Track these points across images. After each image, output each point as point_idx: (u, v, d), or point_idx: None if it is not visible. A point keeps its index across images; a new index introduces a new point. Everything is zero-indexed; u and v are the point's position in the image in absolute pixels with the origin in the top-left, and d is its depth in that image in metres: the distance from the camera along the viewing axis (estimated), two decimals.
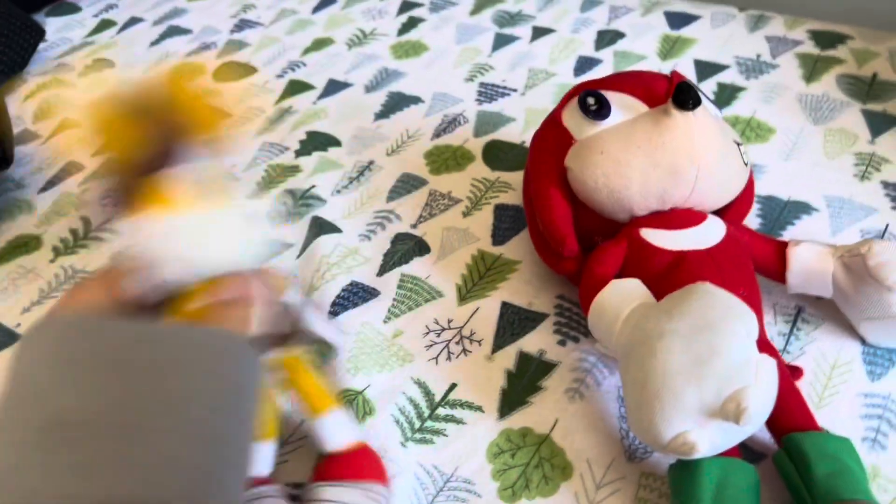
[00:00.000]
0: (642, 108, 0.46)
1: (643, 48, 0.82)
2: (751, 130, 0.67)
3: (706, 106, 0.45)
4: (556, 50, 0.84)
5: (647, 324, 0.38)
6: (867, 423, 0.44)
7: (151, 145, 0.35)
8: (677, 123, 0.43)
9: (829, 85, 0.72)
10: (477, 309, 0.54)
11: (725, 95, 0.72)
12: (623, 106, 0.47)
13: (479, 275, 0.58)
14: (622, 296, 0.41)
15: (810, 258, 0.46)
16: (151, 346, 0.29)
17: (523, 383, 0.49)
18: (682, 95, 0.43)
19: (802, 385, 0.46)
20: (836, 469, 0.37)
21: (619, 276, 0.45)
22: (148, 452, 0.25)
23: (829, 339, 0.48)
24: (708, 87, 0.74)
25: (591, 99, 0.47)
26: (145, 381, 0.27)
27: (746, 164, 0.47)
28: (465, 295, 0.56)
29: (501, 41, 0.87)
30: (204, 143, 0.37)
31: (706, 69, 0.77)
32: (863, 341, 0.48)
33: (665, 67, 0.78)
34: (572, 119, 0.49)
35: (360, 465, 0.41)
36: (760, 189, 0.61)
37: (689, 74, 0.76)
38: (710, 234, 0.45)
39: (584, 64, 0.81)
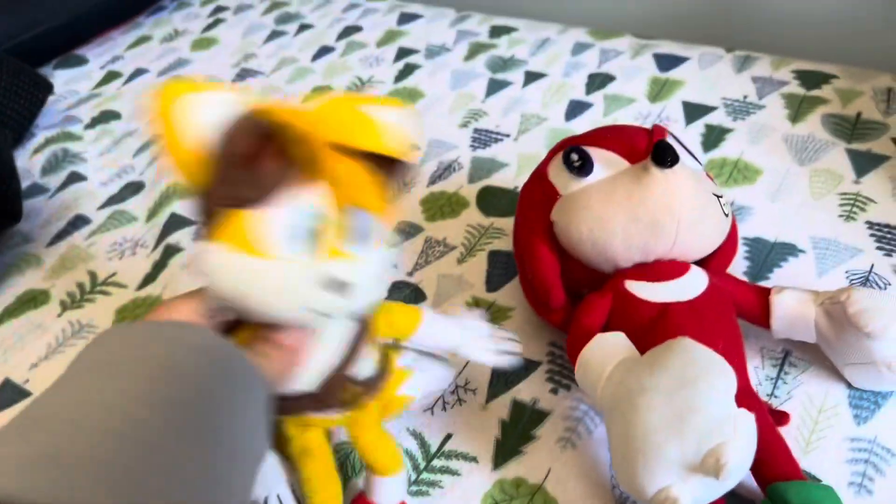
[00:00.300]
0: (624, 164, 0.48)
1: (633, 91, 0.84)
2: (738, 172, 0.69)
3: (685, 161, 0.47)
4: (547, 94, 0.86)
5: (630, 380, 0.39)
6: (853, 467, 0.45)
7: (265, 177, 0.30)
8: (656, 180, 0.44)
9: (815, 125, 0.73)
10: None
11: (713, 137, 0.74)
12: (605, 162, 0.49)
13: None
14: (606, 351, 0.43)
15: (793, 305, 0.47)
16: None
17: (517, 432, 0.50)
18: (661, 153, 0.45)
19: (790, 429, 0.47)
20: None
21: (606, 326, 0.46)
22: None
23: (816, 382, 0.49)
24: (696, 129, 0.76)
25: (574, 155, 0.49)
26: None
27: (727, 215, 0.49)
28: None
29: (495, 86, 0.90)
30: (343, 197, 0.32)
31: (694, 111, 0.79)
32: (849, 384, 0.49)
33: (654, 110, 0.80)
34: (557, 174, 0.51)
35: None
36: (748, 231, 0.62)
37: (678, 116, 0.78)
38: (692, 285, 0.46)
39: (576, 108, 0.83)
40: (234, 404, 0.29)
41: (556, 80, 0.89)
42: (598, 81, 0.87)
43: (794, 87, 0.79)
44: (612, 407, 0.40)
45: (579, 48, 0.94)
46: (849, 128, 0.72)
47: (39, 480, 0.22)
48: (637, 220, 0.45)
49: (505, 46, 0.98)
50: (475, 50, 0.98)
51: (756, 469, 0.41)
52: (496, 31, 1.02)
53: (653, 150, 0.45)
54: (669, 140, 0.50)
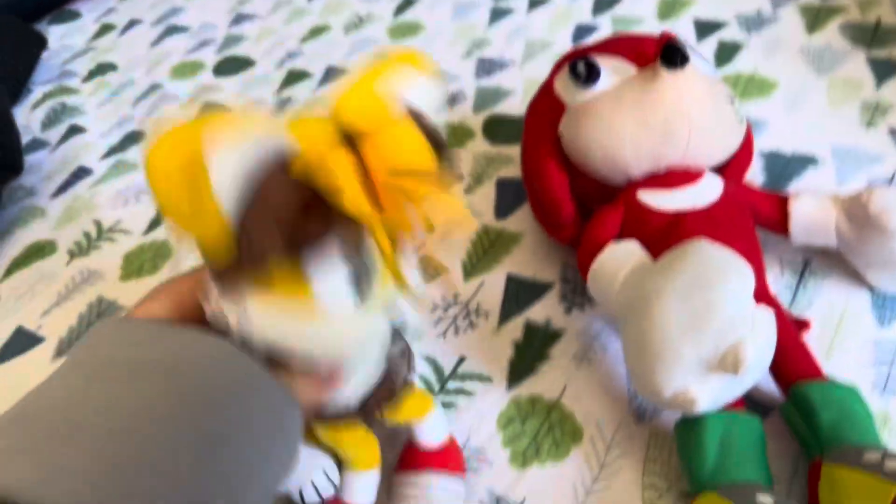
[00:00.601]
0: (632, 70, 0.46)
1: (641, 11, 0.81)
2: (753, 86, 0.67)
3: (696, 64, 0.45)
4: (553, 20, 0.84)
5: (644, 284, 0.38)
6: (878, 369, 0.44)
7: (308, 238, 0.26)
8: (666, 82, 0.43)
9: (833, 34, 0.71)
10: (482, 283, 0.55)
11: (726, 53, 0.72)
12: (614, 70, 0.47)
13: (483, 249, 0.58)
14: (619, 258, 0.42)
15: (812, 209, 0.46)
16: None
17: (531, 353, 0.49)
18: (670, 54, 0.43)
19: (811, 336, 0.46)
20: (842, 416, 0.37)
21: (618, 239, 0.45)
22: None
23: (837, 289, 0.48)
24: (708, 46, 0.73)
25: (580, 65, 0.47)
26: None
27: (742, 121, 0.47)
28: (470, 270, 0.56)
29: (497, 15, 0.87)
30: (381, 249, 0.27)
31: (706, 28, 0.76)
32: (871, 289, 0.47)
33: (663, 29, 0.77)
34: (564, 86, 0.49)
35: (449, 459, 0.43)
36: (764, 145, 0.60)
37: (689, 35, 0.76)
38: (706, 192, 0.45)
39: (582, 32, 0.80)
40: (260, 431, 0.27)
41: (561, 5, 0.86)
42: (604, 3, 0.84)
43: None
44: (626, 312, 0.39)
45: None
46: (868, 35, 0.69)
47: (53, 490, 0.21)
48: (647, 126, 0.44)
49: None
50: None
51: (777, 371, 0.41)
52: None
53: (661, 50, 0.43)
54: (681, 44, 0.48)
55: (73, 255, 0.70)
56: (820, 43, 0.70)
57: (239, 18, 1.03)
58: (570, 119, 0.47)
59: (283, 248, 0.25)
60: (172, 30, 1.05)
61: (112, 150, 0.83)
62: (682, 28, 0.77)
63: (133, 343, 0.26)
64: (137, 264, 0.66)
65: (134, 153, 0.81)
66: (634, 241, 0.43)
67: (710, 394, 0.35)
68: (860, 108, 0.62)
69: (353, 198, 0.25)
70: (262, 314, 0.27)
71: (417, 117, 0.27)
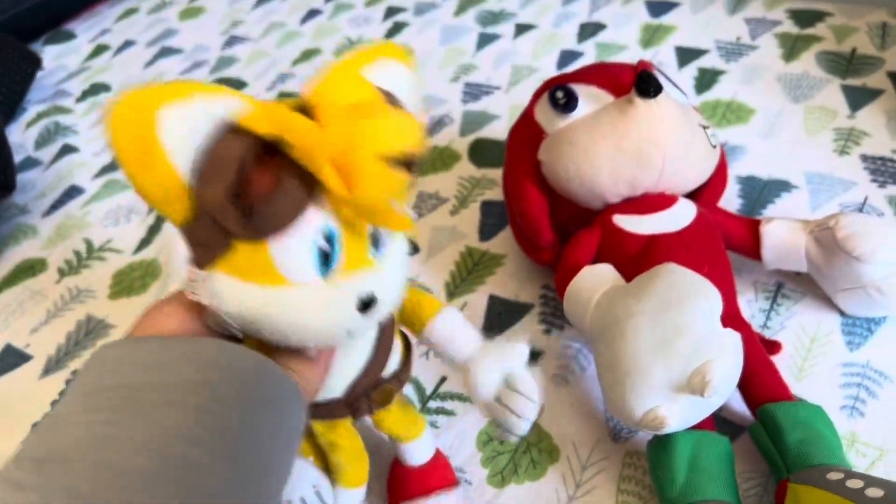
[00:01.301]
0: (609, 98, 0.48)
1: (624, 38, 0.83)
2: (731, 112, 0.69)
3: (669, 92, 0.47)
4: (538, 45, 0.86)
5: (616, 306, 0.39)
6: (846, 391, 0.45)
7: (270, 204, 0.26)
8: (640, 111, 0.44)
9: (809, 63, 0.73)
10: (465, 304, 0.56)
11: (706, 80, 0.74)
12: (591, 98, 0.48)
13: (466, 271, 0.59)
14: (594, 281, 0.43)
15: (783, 234, 0.47)
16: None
17: None
18: (643, 83, 0.44)
19: (783, 358, 0.47)
20: (808, 436, 0.38)
21: (595, 262, 0.47)
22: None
23: (809, 312, 0.50)
24: (689, 73, 0.75)
25: (559, 93, 0.49)
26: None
27: (714, 147, 0.48)
28: (453, 291, 0.58)
29: (485, 40, 0.89)
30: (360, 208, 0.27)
31: (687, 55, 0.78)
32: (842, 313, 0.49)
33: (646, 56, 0.80)
34: (543, 113, 0.51)
35: (442, 474, 0.44)
36: (741, 170, 0.62)
37: (670, 61, 0.78)
38: (680, 216, 0.46)
39: (567, 57, 0.82)
40: (271, 428, 0.26)
41: (546, 31, 0.88)
42: (589, 30, 0.86)
43: (788, 27, 0.78)
44: (599, 334, 0.40)
45: None
46: (844, 64, 0.71)
47: None
48: (623, 152, 0.45)
49: (495, 1, 0.97)
50: (465, 5, 0.98)
51: (745, 392, 0.42)
52: None
53: (635, 80, 0.45)
54: (654, 73, 0.50)
55: (63, 273, 0.71)
56: (797, 71, 0.72)
57: (232, 41, 1.05)
58: (550, 145, 0.49)
59: (232, 200, 0.25)
60: (166, 51, 1.06)
61: (104, 170, 0.84)
62: (664, 55, 0.79)
63: (148, 366, 0.25)
64: (127, 283, 0.67)
65: None
66: (608, 265, 0.44)
67: (679, 414, 0.37)
68: (834, 135, 0.63)
69: (303, 144, 0.25)
70: (226, 281, 0.27)
71: (388, 96, 0.28)
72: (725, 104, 0.70)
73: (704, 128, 0.48)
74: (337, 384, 0.35)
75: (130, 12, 1.20)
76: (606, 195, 0.47)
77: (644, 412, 0.37)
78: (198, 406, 0.24)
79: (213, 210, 0.25)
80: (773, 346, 0.47)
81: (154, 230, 0.72)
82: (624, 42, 0.82)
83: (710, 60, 0.76)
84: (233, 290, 0.27)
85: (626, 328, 0.38)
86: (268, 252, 0.27)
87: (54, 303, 0.67)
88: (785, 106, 0.68)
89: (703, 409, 0.37)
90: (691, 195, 0.50)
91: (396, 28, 0.97)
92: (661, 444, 0.39)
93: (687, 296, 0.37)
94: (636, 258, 0.45)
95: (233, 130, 0.25)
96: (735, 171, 0.62)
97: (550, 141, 0.49)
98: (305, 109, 0.26)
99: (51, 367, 0.61)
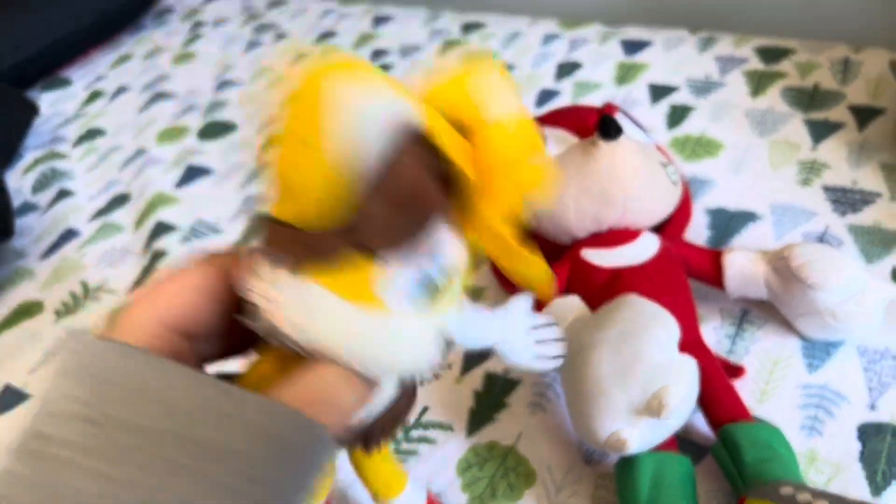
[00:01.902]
0: (574, 140, 0.52)
1: (600, 76, 0.88)
2: (700, 147, 0.73)
3: (631, 134, 0.51)
4: (518, 85, 0.90)
5: (581, 336, 0.42)
6: (805, 412, 0.48)
7: (414, 223, 0.24)
8: (602, 152, 0.48)
9: (774, 98, 0.77)
10: None
11: (677, 115, 0.78)
12: (558, 140, 0.52)
13: None
14: (562, 311, 0.46)
15: (743, 264, 0.51)
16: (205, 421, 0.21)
17: (490, 401, 0.53)
18: (605, 127, 0.48)
19: (747, 381, 0.50)
20: (766, 455, 0.41)
21: (565, 294, 0.50)
22: None
23: (772, 337, 0.53)
24: (661, 109, 0.79)
25: None
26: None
27: (675, 183, 0.52)
28: None
29: None
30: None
31: (659, 92, 0.82)
32: (802, 337, 0.52)
33: (621, 93, 0.84)
34: None
35: None
36: (710, 202, 0.66)
37: (643, 98, 0.82)
38: (643, 250, 0.50)
39: (545, 96, 0.87)
40: (298, 494, 0.23)
41: (525, 72, 0.93)
42: (566, 70, 0.90)
43: (755, 64, 0.83)
44: (566, 362, 0.43)
45: (548, 39, 0.98)
46: (806, 99, 0.76)
47: None
48: (587, 192, 0.49)
49: (477, 42, 1.02)
50: (447, 47, 1.02)
51: (708, 414, 0.45)
52: (468, 28, 1.06)
53: (598, 123, 0.49)
54: (618, 116, 0.54)
55: (59, 314, 0.74)
56: (763, 106, 0.76)
57: (223, 84, 1.09)
58: None
59: (393, 217, 0.23)
60: (160, 96, 1.11)
61: (99, 213, 0.88)
62: (637, 92, 0.83)
63: (171, 407, 0.21)
64: None
65: (119, 215, 0.86)
66: (576, 297, 0.47)
67: (640, 436, 0.40)
68: (797, 168, 0.67)
69: (470, 177, 0.24)
70: (316, 293, 0.24)
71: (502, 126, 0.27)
72: (695, 139, 0.74)
73: (665, 165, 0.51)
74: (365, 414, 0.31)
75: (124, 59, 1.25)
76: (574, 231, 0.51)
77: (607, 435, 0.40)
78: (233, 488, 0.21)
79: (364, 221, 0.23)
80: (737, 371, 0.50)
81: (148, 271, 0.75)
82: (599, 80, 0.87)
83: (681, 97, 0.81)
84: (320, 303, 0.24)
85: (589, 356, 0.41)
86: (380, 272, 0.24)
87: (52, 344, 0.70)
88: (751, 140, 0.72)
89: (662, 431, 0.40)
90: (657, 229, 0.54)
91: (385, 68, 1.01)
92: (627, 465, 0.42)
93: (645, 326, 0.40)
94: (602, 290, 0.48)
95: (416, 139, 0.23)
96: (704, 203, 0.65)
97: None
98: (456, 124, 0.25)
99: None
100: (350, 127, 0.22)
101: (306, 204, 0.23)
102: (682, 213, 0.55)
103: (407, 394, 0.32)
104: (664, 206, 0.51)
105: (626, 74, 0.87)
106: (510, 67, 0.94)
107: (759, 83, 0.80)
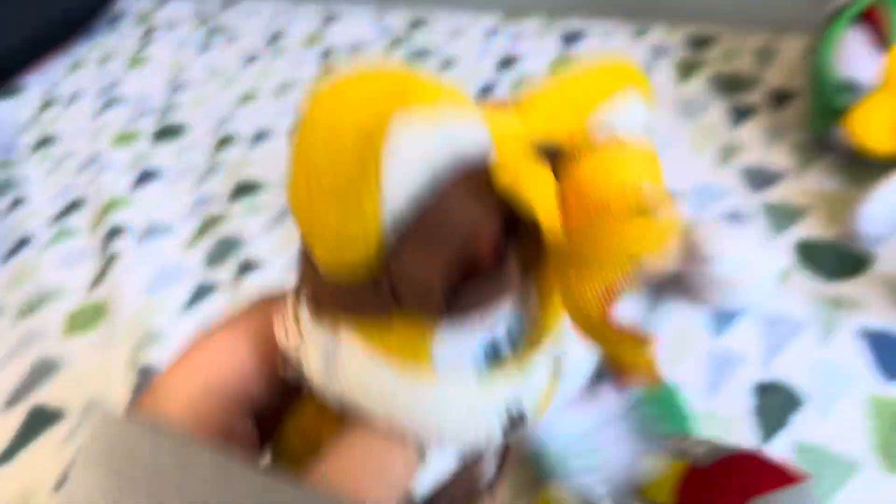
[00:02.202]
0: None
1: (538, 69, 0.92)
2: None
3: None
4: (459, 81, 0.94)
5: None
6: (708, 375, 0.52)
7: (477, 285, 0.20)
8: None
9: (700, 85, 0.82)
10: None
11: None
12: None
13: None
14: None
15: None
16: None
17: None
18: None
19: (661, 348, 0.55)
20: (662, 412, 0.46)
21: None
22: None
23: (681, 307, 0.57)
24: None
25: None
26: None
27: None
28: None
29: None
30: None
31: None
32: (705, 308, 0.57)
33: None
34: None
35: None
36: None
37: None
38: None
39: (485, 91, 0.91)
40: None
41: (467, 67, 0.96)
42: (506, 64, 0.94)
43: (684, 51, 0.87)
44: None
45: (491, 33, 1.02)
46: (729, 84, 0.80)
47: None
48: None
49: (422, 38, 1.06)
50: (394, 44, 1.06)
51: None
52: (414, 24, 1.09)
53: None
54: None
55: (17, 317, 0.76)
56: (688, 93, 0.81)
57: (176, 87, 1.12)
58: None
59: (443, 277, 0.19)
60: (113, 101, 1.13)
61: (55, 218, 0.90)
62: None
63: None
64: (81, 321, 0.73)
65: (75, 219, 0.89)
66: None
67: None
68: (717, 150, 0.72)
69: (554, 229, 0.19)
70: (356, 351, 0.21)
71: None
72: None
73: None
74: (420, 489, 0.25)
75: (78, 65, 1.27)
76: None
77: None
78: None
79: (404, 279, 0.19)
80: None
81: (104, 272, 0.78)
82: (537, 73, 0.91)
83: None
84: (362, 364, 0.21)
85: None
86: (432, 336, 0.21)
87: (10, 347, 0.73)
88: (675, 127, 0.77)
89: None
90: None
91: (326, 73, 1.05)
92: None
93: None
94: None
95: (470, 176, 0.19)
96: None
97: None
98: (547, 151, 0.21)
99: (4, 408, 0.66)
100: (407, 173, 0.18)
101: (343, 254, 0.19)
102: None
103: (472, 471, 0.27)
104: None
105: (561, 67, 0.91)
106: (453, 64, 0.98)
107: (686, 71, 0.84)
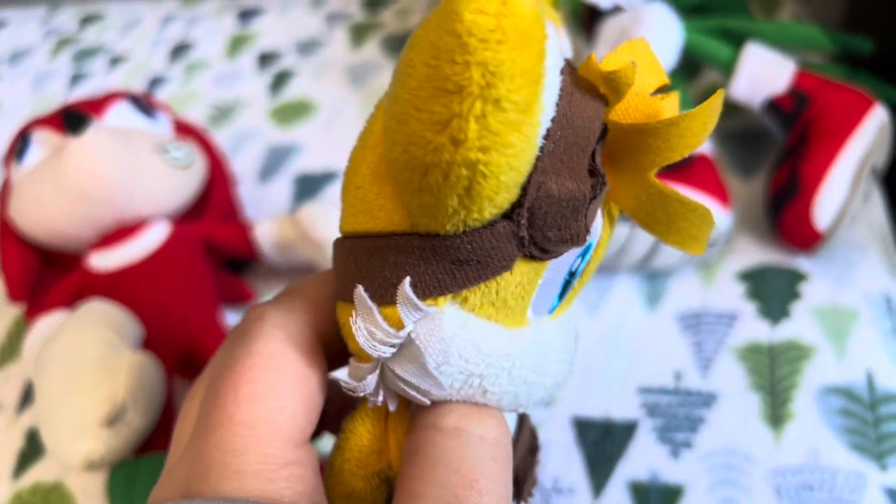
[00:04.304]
0: (58, 140, 0.48)
1: (212, 54, 0.85)
2: (301, 112, 0.72)
3: (105, 124, 0.49)
4: (129, 77, 0.85)
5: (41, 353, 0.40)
6: None
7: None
8: (71, 148, 0.45)
9: (373, 50, 0.78)
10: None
11: (281, 82, 0.77)
12: (44, 142, 0.49)
13: None
14: (45, 332, 0.44)
15: (272, 233, 0.51)
16: None
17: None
18: (69, 121, 0.46)
19: None
20: None
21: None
22: None
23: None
24: (264, 80, 0.78)
25: (18, 142, 0.49)
26: None
27: (184, 166, 0.50)
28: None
29: (78, 80, 0.87)
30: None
31: (269, 60, 0.81)
32: None
33: (232, 68, 0.82)
34: (12, 166, 0.50)
35: None
36: (296, 170, 0.66)
37: (252, 69, 0.80)
38: (147, 242, 0.48)
39: (154, 84, 0.83)
40: None
41: (139, 61, 0.88)
42: (178, 53, 0.87)
43: (359, 17, 0.84)
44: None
45: (166, 22, 0.93)
46: (400, 45, 0.78)
47: None
48: (67, 194, 0.46)
49: (93, 36, 0.95)
50: (60, 46, 0.95)
51: None
52: (86, 21, 0.99)
53: (63, 118, 0.46)
54: (122, 104, 0.52)
55: None
56: (361, 60, 0.77)
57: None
58: (12, 200, 0.49)
59: (586, 194, 0.18)
60: None
61: None
62: (247, 63, 0.81)
63: None
64: None
65: None
66: (60, 313, 0.45)
67: (106, 447, 0.38)
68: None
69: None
70: (467, 322, 0.19)
71: None
72: (297, 104, 0.74)
73: (165, 151, 0.49)
74: None
75: None
76: (75, 239, 0.48)
77: (79, 454, 0.38)
78: None
79: (542, 207, 0.18)
80: None
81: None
82: (211, 58, 0.84)
83: (288, 62, 0.80)
84: (474, 332, 0.19)
85: (37, 380, 0.39)
86: (539, 278, 0.20)
87: None
88: (348, 96, 0.73)
89: (129, 435, 0.39)
90: (198, 210, 0.52)
91: (76, 78, 0.92)
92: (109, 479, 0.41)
93: (84, 331, 0.39)
94: (107, 295, 0.46)
95: (577, 89, 0.18)
96: (293, 171, 0.66)
97: (13, 196, 0.49)
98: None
99: None
100: (551, 85, 0.16)
101: (497, 195, 0.17)
102: (215, 193, 0.54)
103: (526, 430, 0.26)
104: (168, 193, 0.50)
105: (237, 47, 0.85)
106: (124, 59, 0.88)
107: (359, 35, 0.81)
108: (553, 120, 0.17)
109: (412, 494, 0.19)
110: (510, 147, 0.15)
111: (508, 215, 0.18)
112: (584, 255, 0.21)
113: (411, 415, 0.22)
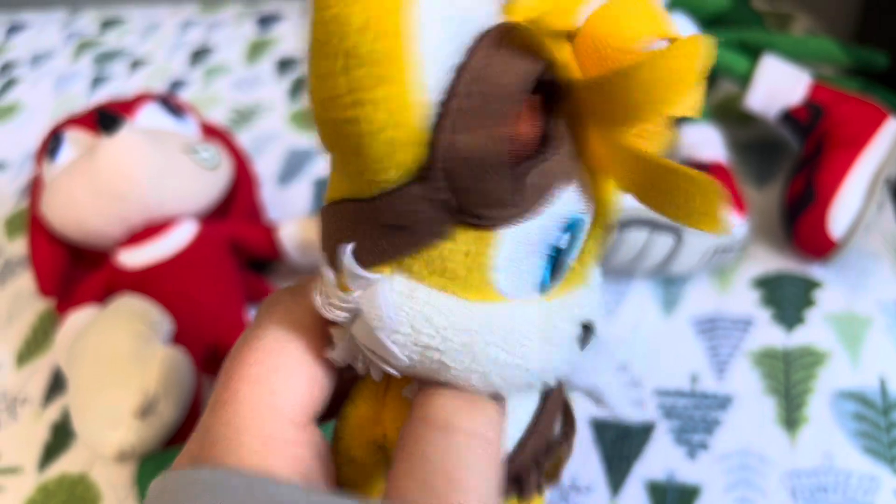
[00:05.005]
0: (90, 139, 0.50)
1: (232, 59, 0.86)
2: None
3: (137, 125, 0.50)
4: (150, 80, 0.87)
5: (74, 345, 0.41)
6: None
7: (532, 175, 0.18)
8: (104, 148, 0.47)
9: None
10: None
11: (303, 87, 0.78)
12: (76, 142, 0.50)
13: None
14: (74, 327, 0.45)
15: (296, 233, 0.52)
16: None
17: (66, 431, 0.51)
18: (102, 121, 0.47)
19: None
20: None
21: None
22: None
23: None
24: (283, 86, 0.80)
25: (51, 140, 0.50)
26: None
27: (214, 167, 0.52)
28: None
29: (99, 83, 0.89)
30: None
31: (288, 66, 0.83)
32: None
33: (251, 72, 0.83)
34: (45, 163, 0.52)
35: None
36: (318, 172, 0.67)
37: (271, 75, 0.82)
38: (175, 240, 0.49)
39: (176, 87, 0.84)
40: None
41: (159, 65, 0.89)
42: (198, 58, 0.88)
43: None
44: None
45: (186, 26, 0.95)
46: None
47: None
48: (100, 193, 0.47)
49: (114, 39, 0.97)
50: (81, 49, 0.96)
51: None
52: (107, 25, 1.00)
53: (97, 118, 0.47)
54: (151, 106, 0.53)
55: None
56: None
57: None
58: (45, 197, 0.50)
59: (498, 156, 0.17)
60: None
61: None
62: (265, 69, 0.83)
63: None
64: None
65: None
66: (92, 307, 0.46)
67: (136, 438, 0.39)
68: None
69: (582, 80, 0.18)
70: (414, 290, 0.19)
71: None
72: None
73: (195, 151, 0.51)
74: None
75: None
76: (105, 237, 0.49)
77: (111, 446, 0.39)
78: None
79: (456, 167, 0.17)
80: None
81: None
82: (230, 63, 0.86)
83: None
84: (422, 303, 0.19)
85: (70, 371, 0.40)
86: (491, 248, 0.18)
87: None
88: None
89: (159, 427, 0.40)
90: (222, 211, 0.54)
91: (10, 84, 0.93)
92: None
93: (118, 325, 0.40)
94: (136, 292, 0.47)
95: (503, 45, 0.17)
96: (312, 176, 0.67)
97: (45, 192, 0.50)
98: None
99: None
100: (424, 42, 0.16)
101: (389, 157, 0.17)
102: (241, 194, 0.55)
103: (551, 408, 0.25)
104: (197, 193, 0.51)
105: (255, 52, 0.86)
106: (145, 63, 0.90)
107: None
108: (459, 76, 0.17)
109: (397, 491, 0.19)
110: (384, 101, 0.15)
111: (425, 178, 0.17)
112: (571, 230, 0.20)
113: (409, 396, 0.22)
